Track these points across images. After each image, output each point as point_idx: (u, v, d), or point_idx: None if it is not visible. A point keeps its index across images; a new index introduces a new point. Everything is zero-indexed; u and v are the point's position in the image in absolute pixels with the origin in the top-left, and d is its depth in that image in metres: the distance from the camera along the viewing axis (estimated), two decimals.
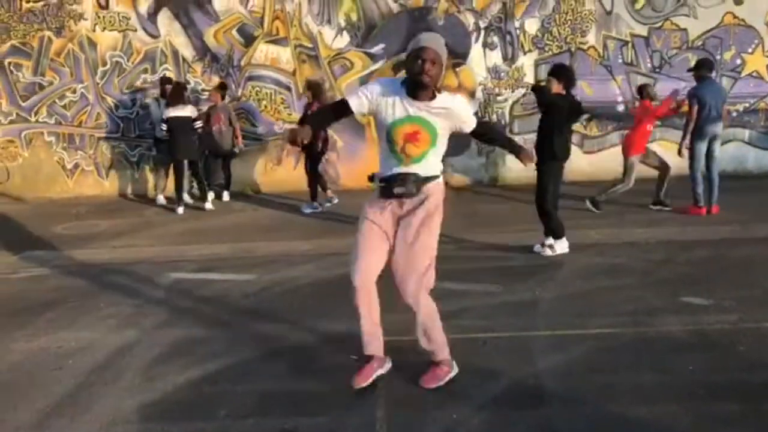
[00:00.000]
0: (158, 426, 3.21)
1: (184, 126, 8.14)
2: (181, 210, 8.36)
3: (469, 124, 3.39)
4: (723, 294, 4.75)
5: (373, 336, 3.51)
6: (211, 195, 8.76)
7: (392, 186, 3.27)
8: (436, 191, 3.37)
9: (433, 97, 3.20)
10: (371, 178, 3.46)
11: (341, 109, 3.31)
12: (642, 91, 7.70)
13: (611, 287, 5.03)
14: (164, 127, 8.21)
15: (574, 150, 9.62)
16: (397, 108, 3.19)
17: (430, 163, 3.34)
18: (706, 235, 6.44)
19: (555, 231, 5.93)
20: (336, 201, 8.28)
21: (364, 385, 3.46)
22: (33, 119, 9.64)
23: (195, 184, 8.85)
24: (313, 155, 8.06)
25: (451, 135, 3.39)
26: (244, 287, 5.32)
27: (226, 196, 9.07)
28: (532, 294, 4.92)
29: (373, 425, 3.16)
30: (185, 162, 8.40)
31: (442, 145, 3.34)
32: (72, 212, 8.66)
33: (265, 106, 9.60)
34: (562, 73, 5.85)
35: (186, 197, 8.69)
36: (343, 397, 3.44)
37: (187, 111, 8.22)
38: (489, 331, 4.21)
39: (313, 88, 8.02)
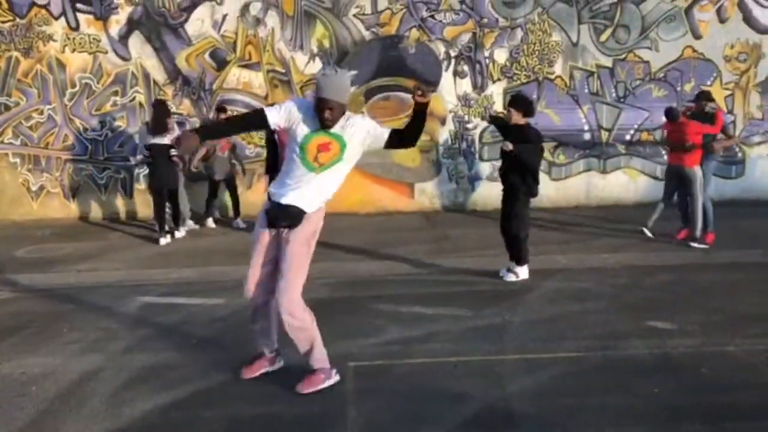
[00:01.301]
0: None
1: (163, 154, 7.75)
2: (164, 241, 7.88)
3: (381, 129, 3.67)
4: (686, 318, 4.87)
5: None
6: (210, 222, 8.88)
7: (277, 218, 3.61)
8: (317, 218, 3.72)
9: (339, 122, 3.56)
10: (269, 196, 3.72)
11: (256, 119, 3.63)
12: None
13: (579, 311, 5.11)
14: (146, 153, 7.82)
15: (542, 177, 9.87)
16: (310, 124, 3.54)
17: (333, 179, 3.64)
18: (669, 261, 6.61)
19: (523, 257, 6.04)
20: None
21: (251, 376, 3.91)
22: None
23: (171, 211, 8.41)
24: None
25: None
26: (214, 312, 5.26)
27: (211, 222, 8.91)
28: (501, 318, 4.98)
29: None
30: (165, 191, 7.95)
31: (348, 161, 3.65)
32: (36, 235, 8.49)
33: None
34: (521, 102, 5.99)
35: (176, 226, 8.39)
36: (313, 421, 3.42)
37: (166, 139, 7.71)
38: (458, 355, 4.24)
39: None
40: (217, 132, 4.19)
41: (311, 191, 3.60)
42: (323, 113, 3.46)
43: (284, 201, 3.59)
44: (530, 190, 5.92)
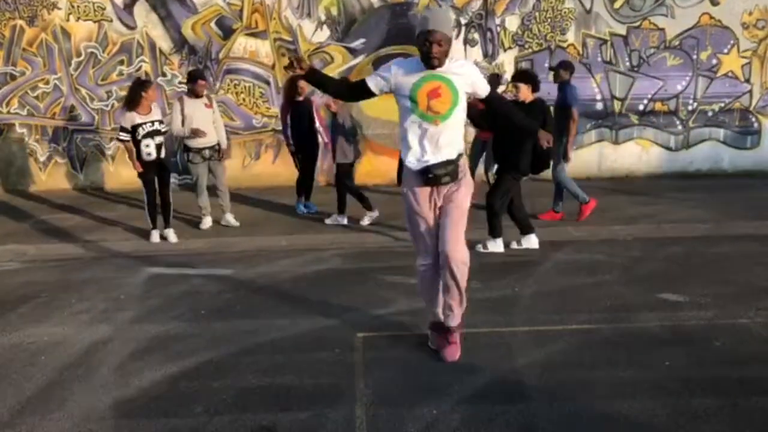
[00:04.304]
0: (133, 423, 3.15)
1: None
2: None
3: (483, 88, 3.57)
4: (699, 290, 4.81)
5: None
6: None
7: (437, 176, 3.48)
8: (463, 167, 3.63)
9: (445, 63, 3.42)
10: (399, 168, 3.78)
11: (359, 88, 3.57)
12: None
13: (589, 284, 5.06)
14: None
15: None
16: (416, 74, 3.41)
17: (457, 127, 3.51)
18: (682, 233, 6.52)
19: (495, 229, 5.97)
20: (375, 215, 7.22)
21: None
22: (4, 110, 9.41)
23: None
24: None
25: None
26: (222, 282, 5.25)
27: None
28: (511, 290, 4.93)
29: (353, 422, 3.13)
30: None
31: (463, 104, 3.50)
32: (45, 205, 8.48)
33: (244, 100, 9.49)
34: (529, 77, 5.87)
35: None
36: (322, 393, 3.40)
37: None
38: (468, 327, 4.17)
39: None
40: (325, 79, 3.71)
41: (441, 143, 3.47)
42: (431, 47, 3.28)
43: (431, 161, 3.47)
44: (519, 167, 5.84)
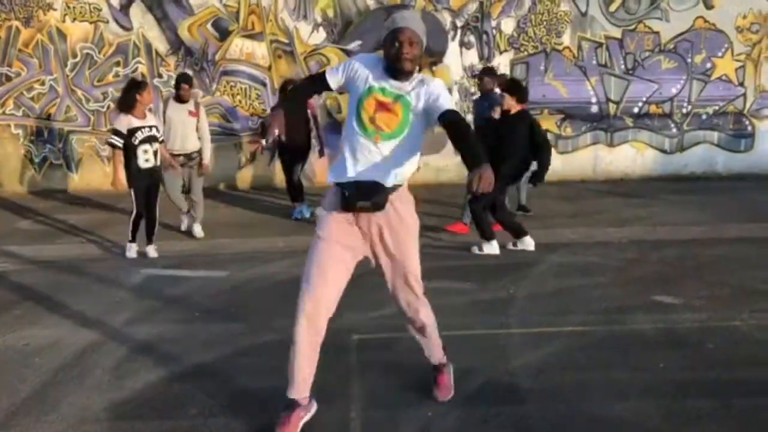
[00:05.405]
0: (127, 425, 3.14)
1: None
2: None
3: (443, 104, 2.80)
4: (693, 293, 4.83)
5: (307, 378, 3.06)
6: None
7: (351, 196, 2.83)
8: (403, 198, 2.98)
9: (411, 76, 2.88)
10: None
11: (319, 82, 3.03)
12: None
13: (584, 286, 5.08)
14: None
15: None
16: (373, 79, 2.87)
17: (402, 153, 2.86)
18: (676, 235, 6.55)
19: (485, 231, 5.96)
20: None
21: None
22: (0, 111, 9.40)
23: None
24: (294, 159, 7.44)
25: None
26: (218, 284, 5.25)
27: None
28: (506, 292, 4.94)
29: (347, 424, 3.13)
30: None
31: (416, 131, 2.88)
32: (40, 207, 8.46)
33: (240, 102, 9.50)
34: (516, 88, 5.87)
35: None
36: (317, 394, 3.40)
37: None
38: (463, 329, 4.21)
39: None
40: (292, 102, 3.35)
41: (375, 165, 2.84)
42: (400, 47, 2.75)
43: (353, 177, 2.85)
44: (508, 174, 5.84)
